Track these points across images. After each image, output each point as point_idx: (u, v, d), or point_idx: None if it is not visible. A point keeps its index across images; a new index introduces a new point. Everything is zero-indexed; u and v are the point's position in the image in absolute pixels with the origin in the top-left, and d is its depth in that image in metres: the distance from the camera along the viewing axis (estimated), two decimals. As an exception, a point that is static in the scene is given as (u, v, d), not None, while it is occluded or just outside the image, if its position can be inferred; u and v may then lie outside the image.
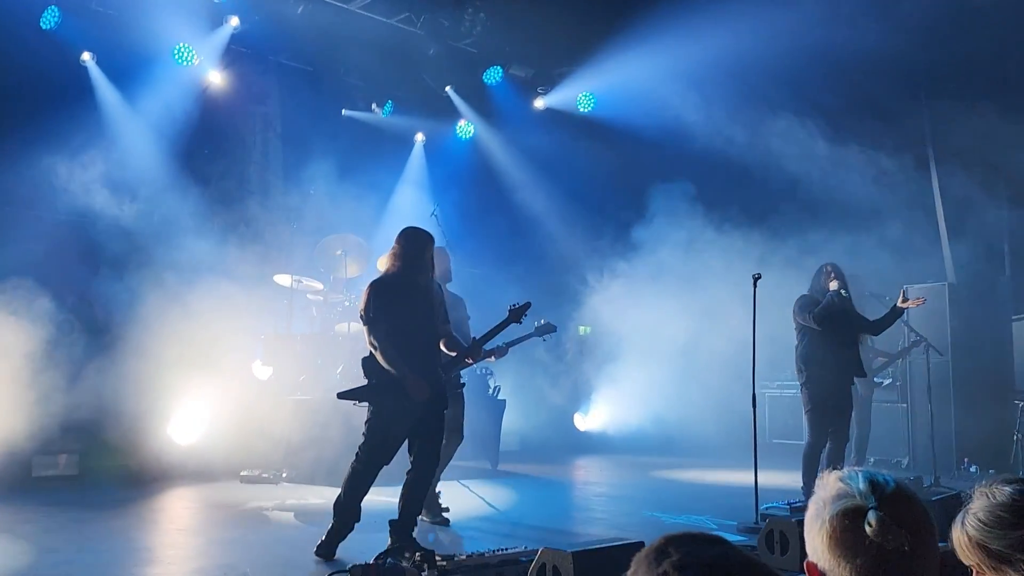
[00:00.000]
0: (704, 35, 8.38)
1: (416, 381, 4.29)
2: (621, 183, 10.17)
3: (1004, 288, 8.96)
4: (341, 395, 4.36)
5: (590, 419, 10.08)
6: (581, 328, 10.04)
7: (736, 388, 6.05)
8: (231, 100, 8.74)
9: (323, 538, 4.24)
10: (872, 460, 7.93)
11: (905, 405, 8.98)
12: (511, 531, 4.93)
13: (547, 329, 5.69)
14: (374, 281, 4.42)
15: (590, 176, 10.33)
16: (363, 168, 8.86)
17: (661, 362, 9.35)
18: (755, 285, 5.32)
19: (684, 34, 8.48)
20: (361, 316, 4.37)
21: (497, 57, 9.89)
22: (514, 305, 4.52)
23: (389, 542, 4.15)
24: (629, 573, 1.02)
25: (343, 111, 9.63)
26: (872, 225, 8.93)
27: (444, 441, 4.55)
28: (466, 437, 5.34)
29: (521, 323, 4.55)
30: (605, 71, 9.44)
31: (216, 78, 8.60)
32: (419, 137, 10.28)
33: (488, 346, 4.84)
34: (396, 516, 4.32)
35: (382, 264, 4.49)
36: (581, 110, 10.34)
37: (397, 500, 4.36)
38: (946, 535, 1.46)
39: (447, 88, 10.00)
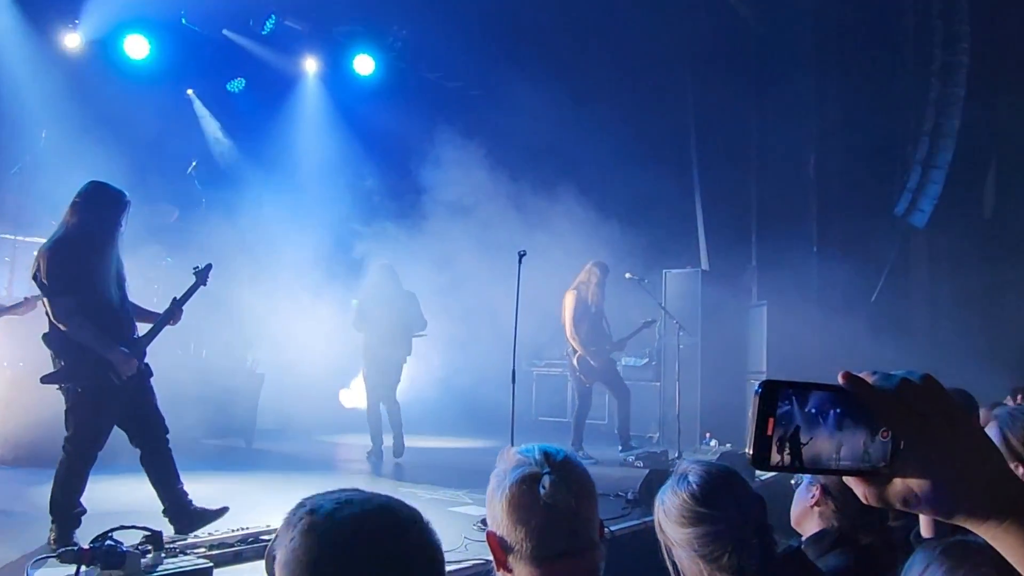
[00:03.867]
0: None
1: (123, 356, 4.04)
2: (404, 141, 10.10)
3: (748, 276, 9.80)
4: (44, 379, 4.01)
5: (358, 394, 9.66)
6: (354, 302, 9.56)
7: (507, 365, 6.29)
8: None
9: (52, 535, 3.92)
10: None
11: (658, 384, 9.50)
12: (253, 508, 4.77)
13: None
14: (56, 241, 4.01)
15: (375, 131, 10.31)
16: (125, 119, 8.20)
17: (440, 334, 9.20)
18: (520, 262, 5.48)
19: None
20: (42, 284, 3.96)
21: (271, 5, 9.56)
22: (196, 268, 4.44)
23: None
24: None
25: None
26: (637, 209, 9.58)
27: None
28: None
29: (207, 284, 4.48)
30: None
31: None
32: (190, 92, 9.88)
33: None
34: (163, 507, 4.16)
35: (65, 222, 4.11)
36: (359, 71, 10.31)
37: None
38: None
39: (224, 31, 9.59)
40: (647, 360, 9.69)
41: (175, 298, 4.36)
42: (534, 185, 9.39)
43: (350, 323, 7.66)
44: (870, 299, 9.22)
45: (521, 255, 5.50)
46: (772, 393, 0.75)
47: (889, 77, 9.47)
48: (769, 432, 0.75)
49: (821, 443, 0.75)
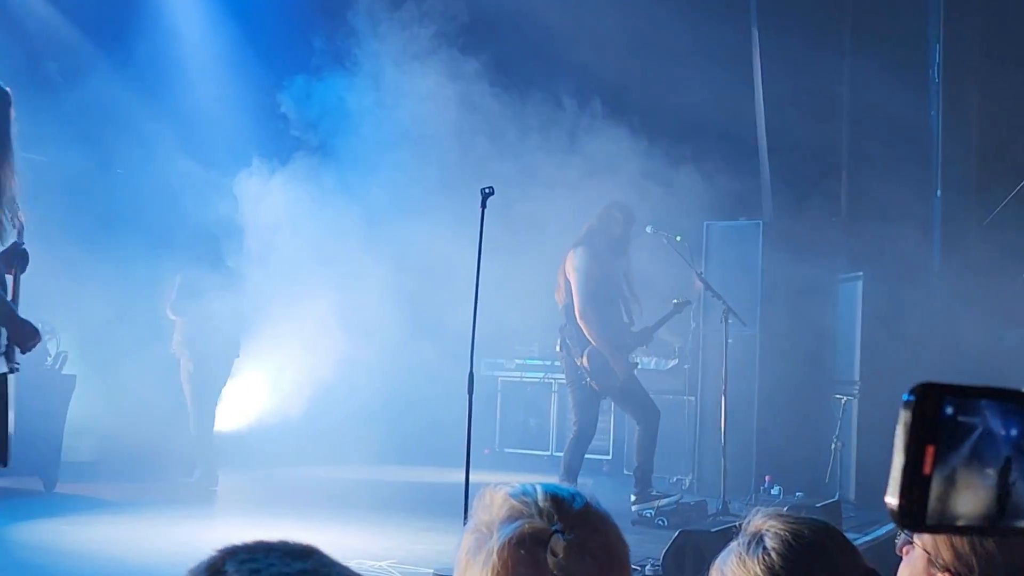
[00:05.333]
0: None
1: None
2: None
3: (835, 234, 9.57)
4: None
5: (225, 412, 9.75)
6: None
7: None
8: None
9: None
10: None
11: (692, 399, 9.40)
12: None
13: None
14: None
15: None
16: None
17: (366, 317, 9.66)
18: (484, 203, 5.68)
19: None
20: None
21: None
22: None
23: None
24: None
25: None
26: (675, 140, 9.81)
27: None
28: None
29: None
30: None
31: None
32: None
33: None
34: None
35: None
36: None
37: None
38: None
39: None
40: (675, 362, 9.73)
41: None
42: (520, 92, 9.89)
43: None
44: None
45: (486, 194, 5.71)
46: (933, 404, 0.77)
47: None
48: (927, 469, 0.77)
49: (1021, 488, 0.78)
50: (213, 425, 8.68)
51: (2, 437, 4.81)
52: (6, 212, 4.50)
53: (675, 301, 8.11)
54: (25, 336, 4.53)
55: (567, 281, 7.78)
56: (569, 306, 7.79)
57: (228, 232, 9.19)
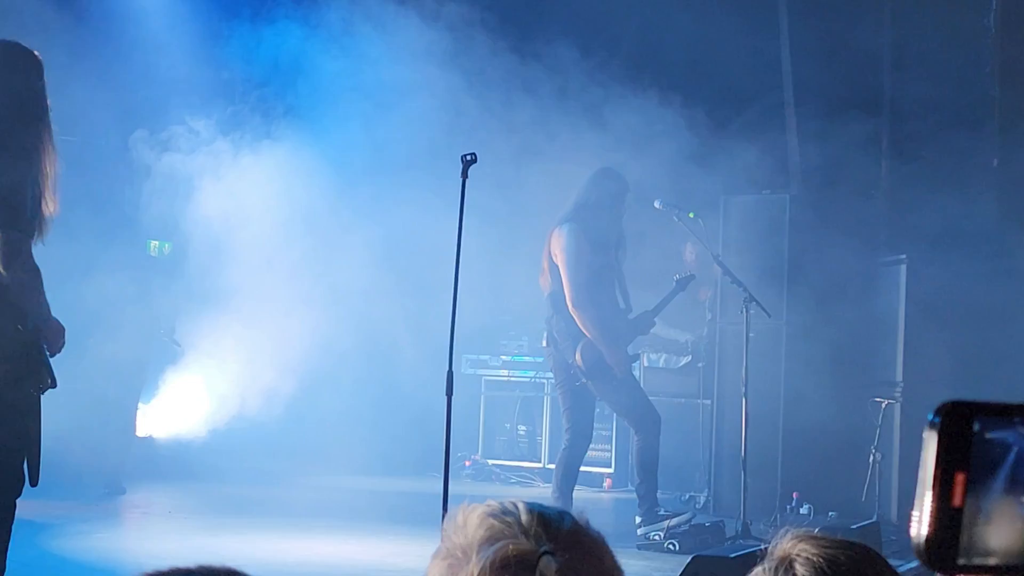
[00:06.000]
0: None
1: None
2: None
3: (875, 209, 9.71)
4: None
5: (159, 415, 9.94)
6: (153, 244, 9.92)
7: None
8: None
9: None
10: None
11: (707, 403, 9.33)
12: None
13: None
14: None
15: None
16: None
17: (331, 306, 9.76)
18: (465, 172, 5.75)
19: None
20: None
21: None
22: None
23: None
24: None
25: None
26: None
27: None
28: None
29: None
30: None
31: None
32: None
33: None
34: None
35: None
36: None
37: None
38: None
39: None
40: (687, 359, 9.73)
41: None
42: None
43: None
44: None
45: (467, 161, 5.78)
46: (963, 426, 0.78)
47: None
48: (958, 500, 0.77)
49: None
50: (130, 431, 8.96)
51: (35, 456, 4.97)
52: (54, 198, 4.73)
53: (677, 276, 8.13)
54: (57, 335, 4.71)
55: (553, 265, 7.76)
56: (557, 295, 7.77)
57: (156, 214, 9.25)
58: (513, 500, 1.49)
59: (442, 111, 9.71)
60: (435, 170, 8.82)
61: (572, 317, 7.70)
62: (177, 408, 10.21)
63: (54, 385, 4.64)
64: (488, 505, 1.49)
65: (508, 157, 9.10)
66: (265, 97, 10.40)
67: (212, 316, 9.59)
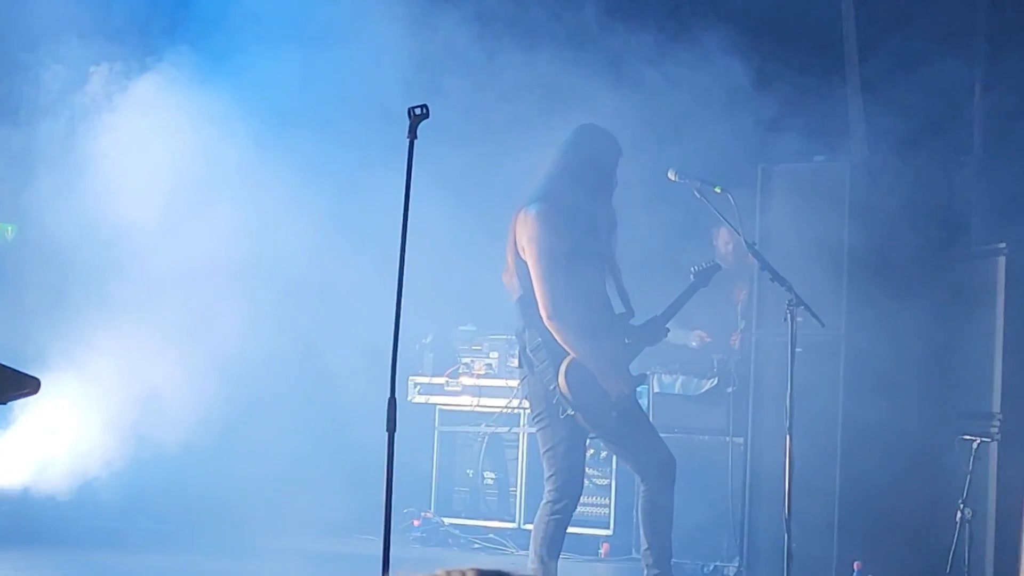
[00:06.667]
0: None
1: None
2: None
3: (964, 183, 9.68)
4: None
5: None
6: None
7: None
8: None
9: None
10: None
11: (739, 441, 9.45)
12: None
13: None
14: None
15: None
16: None
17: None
18: (413, 130, 5.88)
19: None
20: None
21: None
22: None
23: None
24: None
25: None
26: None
27: None
28: None
29: None
30: None
31: None
32: None
33: None
34: None
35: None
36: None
37: None
38: None
39: None
40: (713, 383, 9.65)
41: None
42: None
43: None
44: None
45: (417, 115, 5.88)
46: None
47: None
48: None
49: None
50: None
51: None
52: None
53: (694, 268, 8.16)
54: None
55: (520, 261, 7.58)
56: (527, 300, 7.58)
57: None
58: (466, 569, 1.71)
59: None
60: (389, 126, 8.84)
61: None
62: (30, 451, 10.11)
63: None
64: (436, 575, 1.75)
65: (485, 117, 9.30)
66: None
67: (83, 324, 9.63)
